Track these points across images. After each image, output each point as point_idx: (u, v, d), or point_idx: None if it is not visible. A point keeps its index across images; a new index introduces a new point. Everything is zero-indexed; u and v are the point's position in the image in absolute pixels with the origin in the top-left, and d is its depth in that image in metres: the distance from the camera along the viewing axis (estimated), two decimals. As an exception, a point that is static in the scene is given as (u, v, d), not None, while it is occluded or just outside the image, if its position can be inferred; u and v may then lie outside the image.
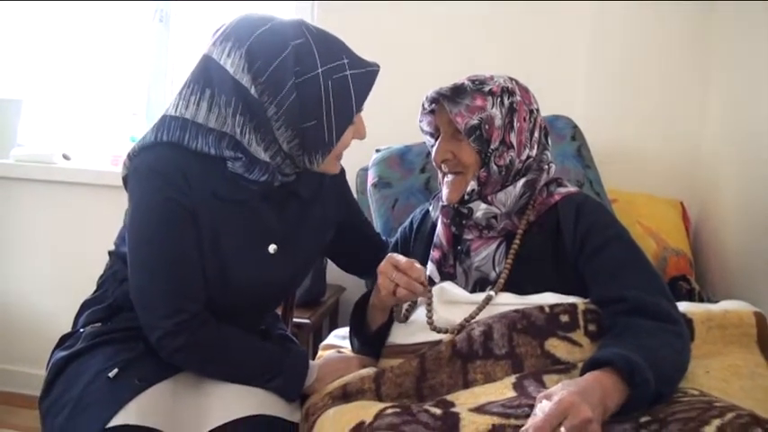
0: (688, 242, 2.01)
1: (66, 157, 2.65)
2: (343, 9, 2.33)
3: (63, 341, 1.32)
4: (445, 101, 1.30)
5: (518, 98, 1.31)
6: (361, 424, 1.02)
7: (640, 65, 2.21)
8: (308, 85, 1.18)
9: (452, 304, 1.27)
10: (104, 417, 1.11)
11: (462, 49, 2.28)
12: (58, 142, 2.72)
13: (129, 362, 1.20)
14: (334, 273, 2.16)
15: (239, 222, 1.26)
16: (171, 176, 1.19)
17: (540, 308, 1.19)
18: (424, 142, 1.98)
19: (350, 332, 1.45)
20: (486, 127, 1.27)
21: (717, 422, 0.90)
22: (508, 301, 1.24)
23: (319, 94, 1.18)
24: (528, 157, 1.32)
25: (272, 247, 1.29)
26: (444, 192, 1.35)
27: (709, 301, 1.60)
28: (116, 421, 1.10)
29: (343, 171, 1.46)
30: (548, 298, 1.22)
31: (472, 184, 1.30)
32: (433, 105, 1.36)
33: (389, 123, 2.13)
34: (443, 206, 1.35)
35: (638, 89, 2.22)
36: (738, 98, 1.94)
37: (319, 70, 1.18)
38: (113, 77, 2.76)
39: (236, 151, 1.21)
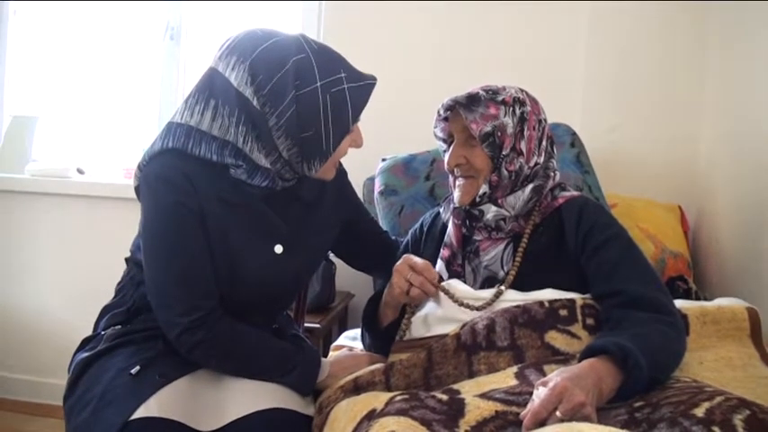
0: (686, 245, 2.05)
1: (80, 171, 2.71)
2: (348, 35, 2.37)
3: (85, 344, 1.37)
4: (461, 108, 1.36)
5: (528, 108, 1.37)
6: (372, 411, 1.07)
7: (637, 73, 2.25)
8: (307, 98, 1.23)
9: (460, 300, 1.33)
10: (127, 410, 1.16)
11: (462, 61, 2.34)
12: (72, 157, 2.78)
13: (150, 360, 1.25)
14: (343, 280, 2.22)
15: (245, 223, 1.31)
16: (177, 182, 1.25)
17: (540, 303, 1.25)
18: (428, 151, 2.05)
19: (362, 327, 1.50)
20: (499, 134, 1.33)
21: (706, 405, 0.94)
22: (512, 298, 1.30)
23: (317, 106, 1.24)
24: (536, 164, 1.38)
25: (278, 248, 1.34)
26: (456, 194, 1.40)
27: (705, 299, 1.65)
28: (138, 414, 1.15)
29: (344, 172, 1.51)
30: (548, 294, 1.28)
31: (484, 188, 1.36)
32: (448, 113, 1.42)
33: (394, 133, 2.19)
34: (455, 208, 1.41)
35: (636, 97, 2.26)
36: (735, 105, 1.98)
37: (318, 84, 1.23)
38: (126, 93, 2.82)
39: (238, 159, 1.26)
